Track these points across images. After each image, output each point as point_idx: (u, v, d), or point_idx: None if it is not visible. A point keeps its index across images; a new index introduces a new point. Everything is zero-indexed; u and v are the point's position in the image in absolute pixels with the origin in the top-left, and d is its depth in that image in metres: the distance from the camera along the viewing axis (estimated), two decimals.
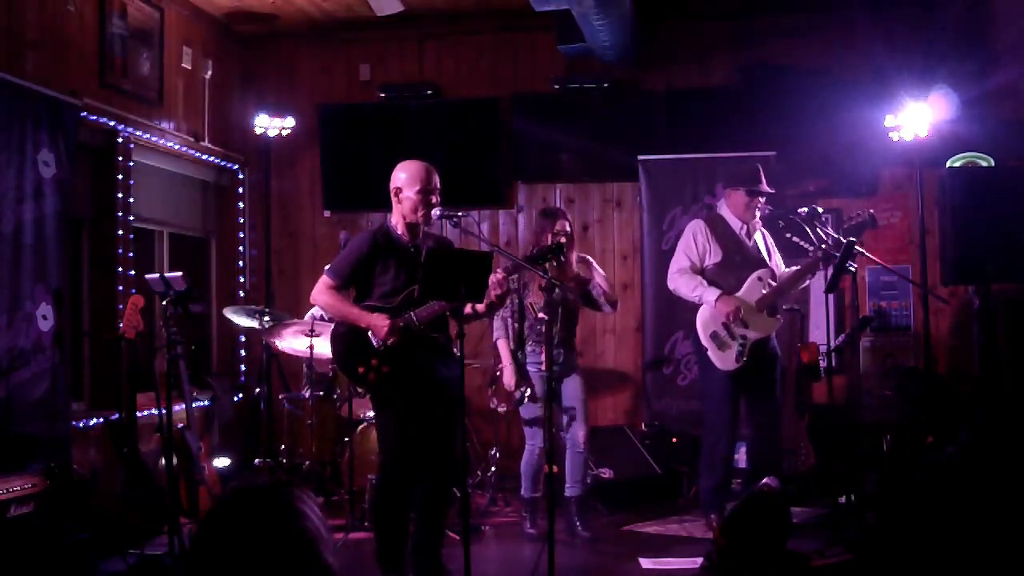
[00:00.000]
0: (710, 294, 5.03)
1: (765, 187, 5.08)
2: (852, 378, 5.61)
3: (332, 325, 4.40)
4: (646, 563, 4.69)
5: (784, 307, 6.23)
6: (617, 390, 7.11)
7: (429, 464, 4.20)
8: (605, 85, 7.00)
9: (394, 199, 4.26)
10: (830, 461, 5.74)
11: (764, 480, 4.54)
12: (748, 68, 6.90)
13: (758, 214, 5.15)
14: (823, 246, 4.98)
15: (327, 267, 4.27)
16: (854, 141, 6.54)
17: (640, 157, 6.60)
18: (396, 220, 4.28)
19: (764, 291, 5.07)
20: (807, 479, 5.81)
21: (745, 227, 5.16)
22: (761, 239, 5.23)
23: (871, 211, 4.98)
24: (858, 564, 4.38)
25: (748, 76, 6.88)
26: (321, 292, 4.20)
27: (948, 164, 6.28)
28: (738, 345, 5.04)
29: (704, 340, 5.12)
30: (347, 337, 4.18)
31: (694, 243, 5.16)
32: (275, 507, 1.48)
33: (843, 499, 5.03)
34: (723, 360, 5.09)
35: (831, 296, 5.07)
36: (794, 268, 5.15)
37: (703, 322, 5.13)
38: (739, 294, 5.06)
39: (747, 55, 6.96)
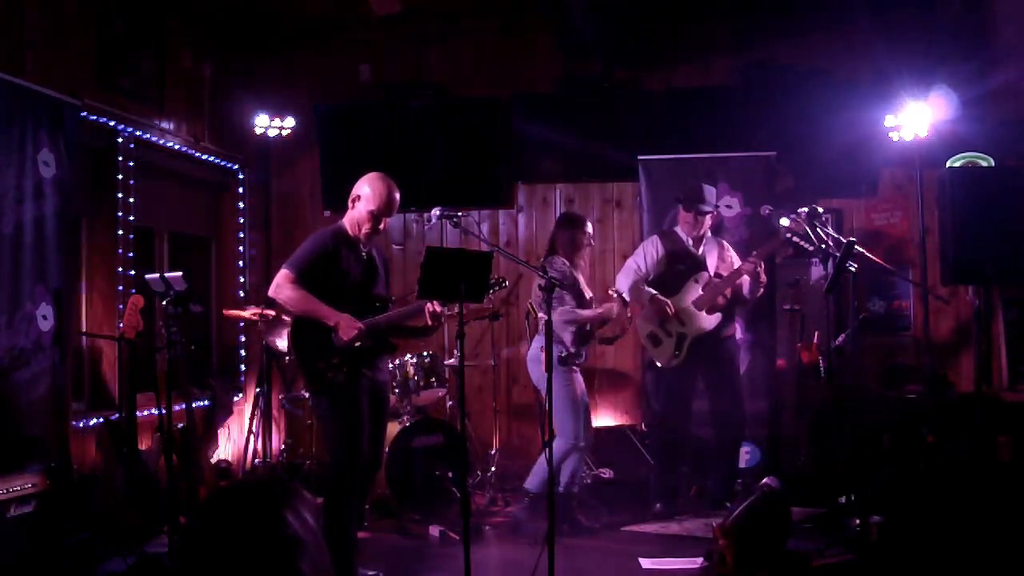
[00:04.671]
0: (644, 295, 5.61)
1: (704, 207, 5.61)
2: (852, 378, 5.61)
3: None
4: (646, 563, 4.69)
5: (784, 307, 6.26)
6: (617, 390, 7.12)
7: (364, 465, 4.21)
8: (605, 85, 7.00)
9: (350, 204, 4.25)
10: (830, 461, 5.74)
11: (764, 480, 4.55)
12: (748, 68, 6.90)
13: (705, 229, 5.68)
14: (823, 246, 5.00)
15: (286, 261, 4.18)
16: (854, 141, 6.54)
17: (640, 157, 6.60)
18: (346, 222, 4.28)
19: (701, 292, 5.58)
20: (807, 479, 5.81)
21: (691, 241, 5.72)
22: (714, 249, 5.75)
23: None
24: (858, 564, 4.39)
25: (748, 76, 6.88)
26: (283, 287, 4.09)
27: (948, 164, 6.28)
28: (674, 342, 5.59)
29: (642, 339, 5.78)
30: (311, 332, 4.12)
31: (644, 254, 5.78)
32: (257, 513, 1.47)
33: (843, 499, 5.03)
34: (660, 356, 5.68)
35: (831, 296, 5.07)
36: (726, 275, 5.65)
37: (641, 323, 5.76)
38: (677, 296, 5.60)
39: (747, 55, 6.96)
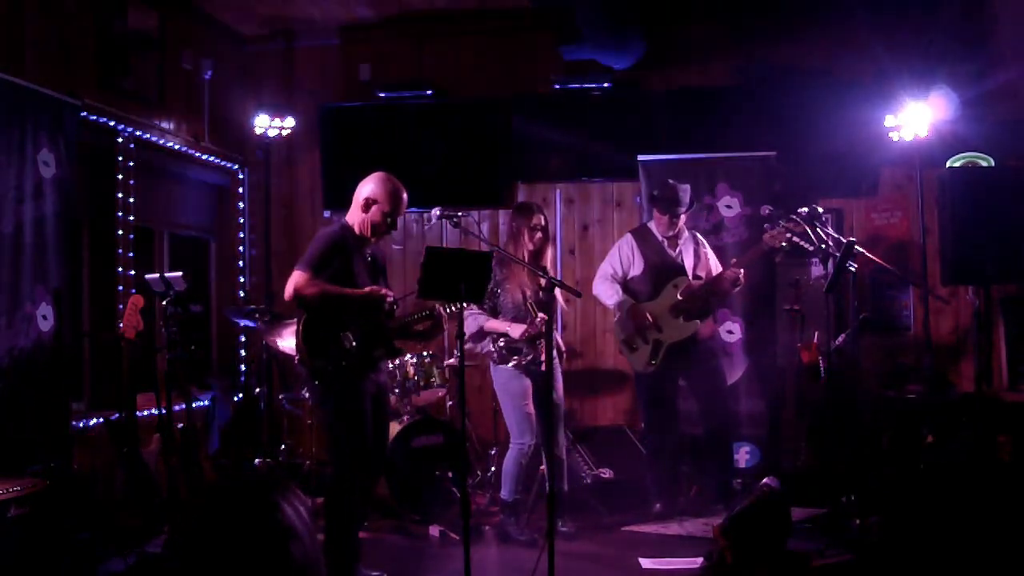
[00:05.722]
0: (624, 303, 5.56)
1: (680, 209, 5.53)
2: (852, 378, 5.61)
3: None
4: (646, 563, 4.69)
5: (785, 307, 6.26)
6: (617, 390, 7.12)
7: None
8: (605, 85, 7.00)
9: (360, 206, 4.27)
10: (830, 461, 5.74)
11: (764, 480, 4.55)
12: (748, 68, 6.90)
13: (679, 227, 5.60)
14: (823, 246, 5.00)
15: (298, 263, 4.20)
16: (854, 141, 6.54)
17: (640, 157, 6.60)
18: (354, 222, 4.30)
19: (679, 297, 5.48)
20: (807, 479, 5.81)
21: (666, 240, 5.63)
22: (690, 248, 5.66)
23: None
24: (858, 564, 4.39)
25: (748, 76, 6.88)
26: (303, 287, 4.09)
27: (948, 164, 6.28)
28: (651, 348, 5.50)
29: (618, 344, 5.70)
30: (321, 331, 4.14)
31: (619, 256, 5.69)
32: (252, 500, 1.48)
33: (843, 499, 5.03)
34: (636, 362, 5.60)
35: (831, 296, 5.07)
36: (705, 281, 5.55)
37: (617, 328, 5.67)
38: (655, 301, 5.53)
39: (747, 55, 6.96)
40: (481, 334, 5.23)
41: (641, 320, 5.49)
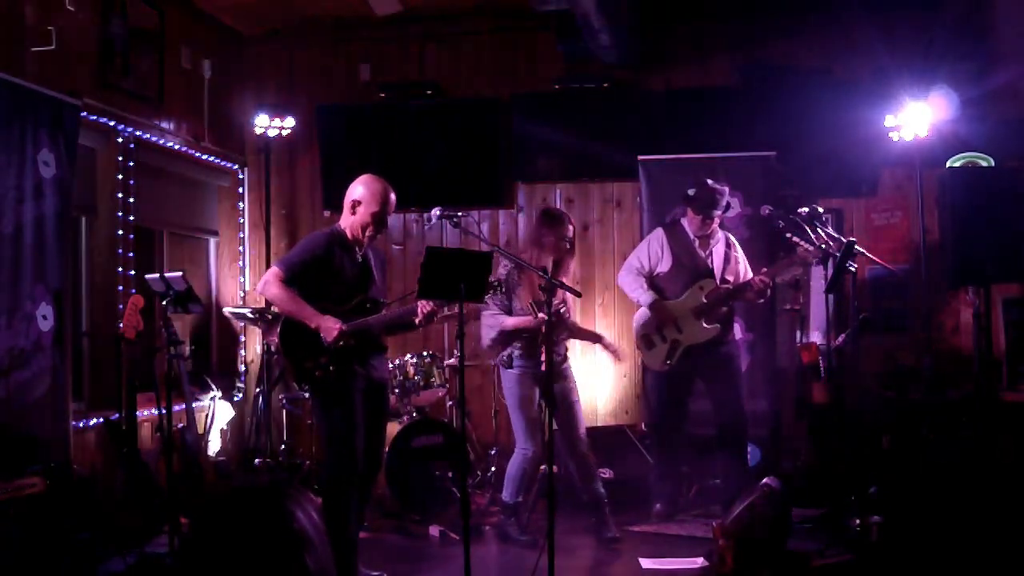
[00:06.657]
0: (646, 298, 5.45)
1: (716, 211, 5.40)
2: (852, 378, 5.61)
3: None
4: (646, 563, 4.69)
5: (785, 307, 6.25)
6: (617, 390, 7.12)
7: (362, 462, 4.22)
8: (605, 85, 7.00)
9: (348, 209, 4.27)
10: (830, 461, 5.74)
11: (764, 480, 4.55)
12: (748, 68, 6.89)
13: (713, 227, 5.47)
14: (823, 246, 5.00)
15: (278, 260, 4.21)
16: (854, 141, 6.54)
17: (640, 157, 6.60)
18: (346, 226, 4.30)
19: (703, 300, 5.38)
20: (807, 479, 5.81)
21: (698, 240, 5.50)
22: (721, 250, 5.53)
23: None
24: (858, 564, 4.39)
25: (748, 76, 6.88)
26: (271, 284, 4.12)
27: (948, 164, 6.28)
28: (668, 348, 5.43)
29: (635, 340, 5.63)
30: (298, 331, 4.14)
31: (648, 250, 5.58)
32: (266, 507, 1.47)
33: (843, 499, 5.03)
34: (651, 360, 5.56)
35: (831, 296, 5.07)
36: (732, 286, 5.42)
37: (636, 324, 5.61)
38: (678, 301, 5.44)
39: (747, 55, 6.95)
40: (504, 338, 5.06)
41: (663, 317, 5.41)
